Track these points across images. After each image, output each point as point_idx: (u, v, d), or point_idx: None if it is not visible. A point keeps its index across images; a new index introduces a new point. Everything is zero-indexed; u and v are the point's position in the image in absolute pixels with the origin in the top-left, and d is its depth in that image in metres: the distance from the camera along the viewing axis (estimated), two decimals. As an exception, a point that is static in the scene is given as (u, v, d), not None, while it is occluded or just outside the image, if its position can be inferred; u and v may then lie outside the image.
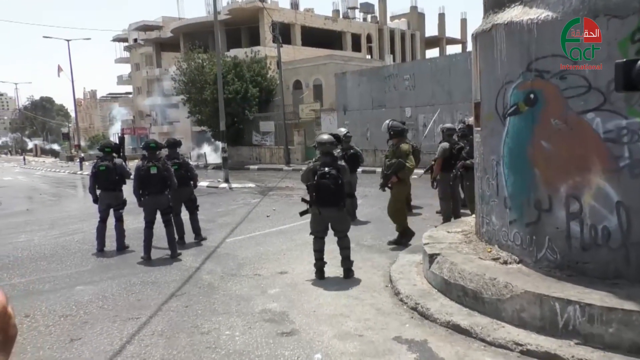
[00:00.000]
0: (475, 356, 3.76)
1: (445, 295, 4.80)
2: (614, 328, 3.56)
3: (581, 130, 4.19)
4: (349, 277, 5.79)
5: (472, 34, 5.37)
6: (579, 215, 4.26)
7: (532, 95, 4.43)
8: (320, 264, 5.87)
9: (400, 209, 7.34)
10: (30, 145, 73.70)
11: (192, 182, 8.19)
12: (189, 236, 8.15)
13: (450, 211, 8.13)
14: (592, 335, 3.64)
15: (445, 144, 7.96)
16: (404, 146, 7.17)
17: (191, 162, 8.61)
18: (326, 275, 5.86)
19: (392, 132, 7.31)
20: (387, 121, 7.61)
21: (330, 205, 5.69)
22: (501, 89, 4.76)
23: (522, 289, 4.04)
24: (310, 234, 5.95)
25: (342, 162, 6.00)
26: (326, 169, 5.64)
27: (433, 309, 4.55)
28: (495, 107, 4.86)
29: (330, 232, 5.93)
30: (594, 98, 4.08)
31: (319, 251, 5.86)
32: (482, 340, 3.97)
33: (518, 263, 4.68)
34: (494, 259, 4.84)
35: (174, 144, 8.18)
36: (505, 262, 4.73)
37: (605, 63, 3.96)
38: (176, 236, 7.93)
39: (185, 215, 8.17)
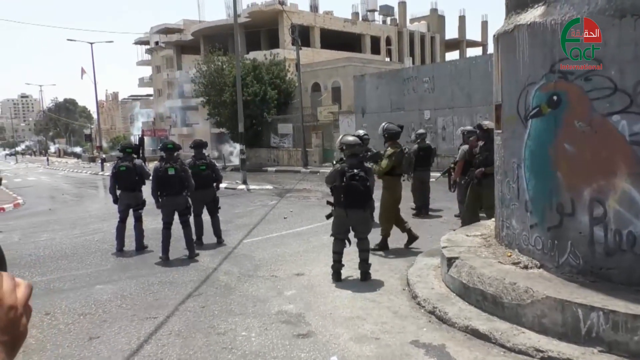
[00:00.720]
0: (494, 362, 3.69)
1: (463, 300, 4.73)
2: (640, 336, 3.46)
3: (606, 132, 4.09)
4: (366, 279, 5.75)
5: (494, 35, 5.29)
6: (603, 219, 4.15)
7: (555, 97, 4.34)
8: (338, 266, 5.83)
9: (388, 217, 7.25)
10: (52, 149, 75.06)
11: (215, 184, 8.21)
12: (208, 238, 8.18)
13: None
14: (617, 343, 3.54)
15: (466, 147, 7.86)
16: (389, 150, 7.17)
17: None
18: (343, 277, 5.83)
19: (386, 135, 7.32)
20: (384, 124, 7.57)
21: (358, 206, 5.67)
22: (523, 91, 4.68)
23: (543, 294, 3.96)
24: (332, 235, 5.91)
25: (369, 164, 5.98)
26: (355, 170, 5.62)
27: (451, 313, 4.48)
28: (517, 109, 4.78)
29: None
30: (620, 100, 3.98)
31: (338, 253, 5.82)
32: (502, 345, 3.90)
33: (539, 268, 4.59)
34: (514, 264, 4.75)
35: (200, 145, 8.21)
36: (526, 267, 4.63)
37: (632, 64, 3.86)
38: (194, 236, 7.99)
39: (205, 216, 8.20)
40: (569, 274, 4.35)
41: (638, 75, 3.90)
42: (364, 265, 5.80)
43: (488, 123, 7.18)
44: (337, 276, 5.81)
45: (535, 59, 4.53)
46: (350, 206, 5.65)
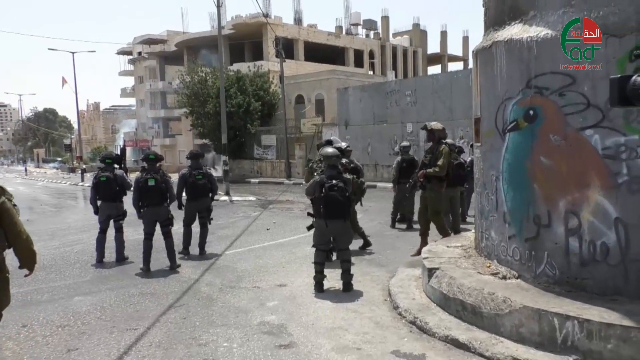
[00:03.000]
0: (473, 371, 3.74)
1: (444, 310, 4.79)
2: (613, 344, 3.54)
3: (580, 146, 4.22)
4: (348, 290, 5.78)
5: (473, 51, 5.44)
6: (577, 231, 4.27)
7: (531, 112, 4.47)
8: (319, 276, 5.86)
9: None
10: (30, 166, 72.88)
11: (210, 194, 8.18)
12: (191, 248, 8.14)
13: (448, 226, 8.13)
14: (591, 352, 3.62)
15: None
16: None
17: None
18: (325, 288, 5.86)
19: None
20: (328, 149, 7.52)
21: (338, 217, 5.72)
22: (501, 105, 4.80)
23: (520, 304, 4.04)
24: (313, 246, 5.95)
25: (347, 175, 6.06)
26: (334, 181, 5.70)
27: (432, 323, 4.54)
28: (495, 123, 4.90)
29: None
30: (593, 115, 4.12)
31: (320, 264, 5.85)
32: (481, 355, 3.95)
33: (517, 278, 4.68)
34: (493, 274, 4.84)
35: (196, 156, 8.16)
36: (504, 277, 4.72)
37: (604, 80, 4.00)
38: (181, 246, 7.95)
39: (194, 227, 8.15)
40: (546, 284, 4.45)
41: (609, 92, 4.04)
42: (346, 276, 5.84)
43: (434, 124, 7.14)
44: (319, 287, 5.84)
45: (512, 75, 4.67)
46: (330, 217, 5.71)
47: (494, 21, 5.13)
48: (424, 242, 7.14)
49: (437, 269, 5.15)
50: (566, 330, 3.74)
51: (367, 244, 8.06)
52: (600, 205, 4.15)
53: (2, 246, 3.51)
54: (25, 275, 3.81)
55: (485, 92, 5.13)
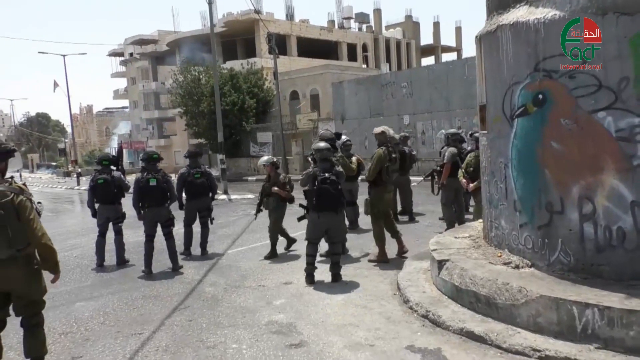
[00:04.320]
0: (492, 364, 3.63)
1: (456, 302, 4.68)
2: (636, 331, 3.44)
3: (592, 129, 4.10)
4: (336, 280, 5.91)
5: (476, 36, 5.30)
6: (592, 216, 4.16)
7: (540, 96, 4.35)
8: (310, 268, 5.97)
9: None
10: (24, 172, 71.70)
11: (210, 193, 8.01)
12: (192, 249, 8.01)
13: (453, 217, 8.03)
14: (613, 339, 3.52)
15: (453, 149, 7.87)
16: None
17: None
18: (331, 283, 5.80)
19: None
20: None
21: (330, 210, 5.81)
22: (508, 91, 4.68)
23: (537, 294, 3.93)
24: (306, 239, 6.03)
25: (339, 168, 6.10)
26: (326, 174, 5.78)
27: (445, 316, 4.43)
28: (502, 109, 4.78)
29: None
30: (605, 96, 4.00)
31: (311, 256, 5.98)
32: (498, 347, 3.85)
33: (530, 267, 4.57)
34: (505, 264, 4.73)
35: (194, 154, 8.05)
36: (517, 267, 4.61)
37: (615, 61, 3.88)
38: (183, 247, 7.81)
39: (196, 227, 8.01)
40: (560, 272, 4.34)
41: (622, 72, 3.92)
42: (335, 267, 5.99)
43: (375, 129, 6.98)
44: (310, 279, 5.94)
45: (519, 59, 4.54)
46: (322, 209, 5.80)
47: (497, 4, 4.99)
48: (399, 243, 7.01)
49: (447, 260, 5.03)
50: (586, 319, 3.64)
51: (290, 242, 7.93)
52: (616, 189, 4.03)
53: (24, 241, 3.61)
54: (52, 281, 3.88)
55: (491, 78, 5.00)
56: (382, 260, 6.72)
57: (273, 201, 7.53)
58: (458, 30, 55.81)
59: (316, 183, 5.77)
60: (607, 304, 3.60)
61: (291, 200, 7.52)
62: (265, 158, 7.95)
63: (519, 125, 4.61)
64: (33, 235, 3.62)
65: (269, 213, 7.60)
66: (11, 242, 3.55)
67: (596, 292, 3.83)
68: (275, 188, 7.48)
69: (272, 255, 7.42)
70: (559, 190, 4.34)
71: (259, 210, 7.79)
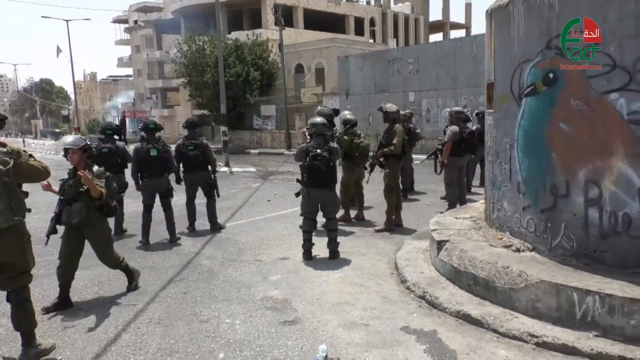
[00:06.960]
0: (488, 348, 3.57)
1: (454, 284, 4.61)
2: (636, 320, 3.36)
3: (603, 111, 3.94)
4: (334, 258, 5.84)
5: (487, 10, 5.09)
6: (598, 201, 4.03)
7: (551, 75, 4.18)
8: (308, 244, 5.91)
9: (343, 192, 7.66)
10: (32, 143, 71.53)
11: (209, 166, 7.63)
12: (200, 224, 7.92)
13: (456, 197, 7.92)
14: (613, 327, 3.44)
15: (455, 128, 7.72)
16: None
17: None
18: (328, 259, 5.72)
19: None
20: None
21: (321, 186, 5.75)
22: (517, 68, 4.51)
23: (537, 278, 3.84)
24: (301, 214, 5.97)
25: (334, 144, 6.01)
26: (318, 150, 5.69)
27: (442, 297, 4.36)
28: (511, 88, 4.61)
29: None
30: (619, 77, 3.82)
31: (308, 232, 5.91)
32: (495, 331, 3.78)
33: (531, 251, 4.48)
34: (506, 247, 4.63)
35: (192, 125, 7.56)
36: (518, 250, 4.52)
37: (633, 39, 3.70)
38: (178, 221, 7.71)
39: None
40: (562, 257, 4.25)
41: (638, 51, 3.75)
42: (332, 244, 5.90)
43: (389, 106, 7.36)
44: (307, 255, 5.89)
45: (530, 35, 4.35)
46: (313, 185, 5.75)
47: (510, -23, 4.77)
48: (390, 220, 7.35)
49: (447, 241, 4.94)
50: (586, 306, 3.55)
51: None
52: (624, 174, 3.90)
53: (23, 210, 3.66)
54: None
55: (500, 55, 4.82)
56: (389, 229, 7.14)
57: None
58: (468, 6, 54.73)
59: (307, 159, 5.69)
60: (609, 291, 3.51)
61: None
62: (70, 139, 5.14)
63: (527, 105, 4.45)
64: (39, 174, 4.01)
65: None
66: (14, 211, 3.52)
67: (598, 279, 3.74)
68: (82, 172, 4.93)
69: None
70: (565, 173, 4.21)
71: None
